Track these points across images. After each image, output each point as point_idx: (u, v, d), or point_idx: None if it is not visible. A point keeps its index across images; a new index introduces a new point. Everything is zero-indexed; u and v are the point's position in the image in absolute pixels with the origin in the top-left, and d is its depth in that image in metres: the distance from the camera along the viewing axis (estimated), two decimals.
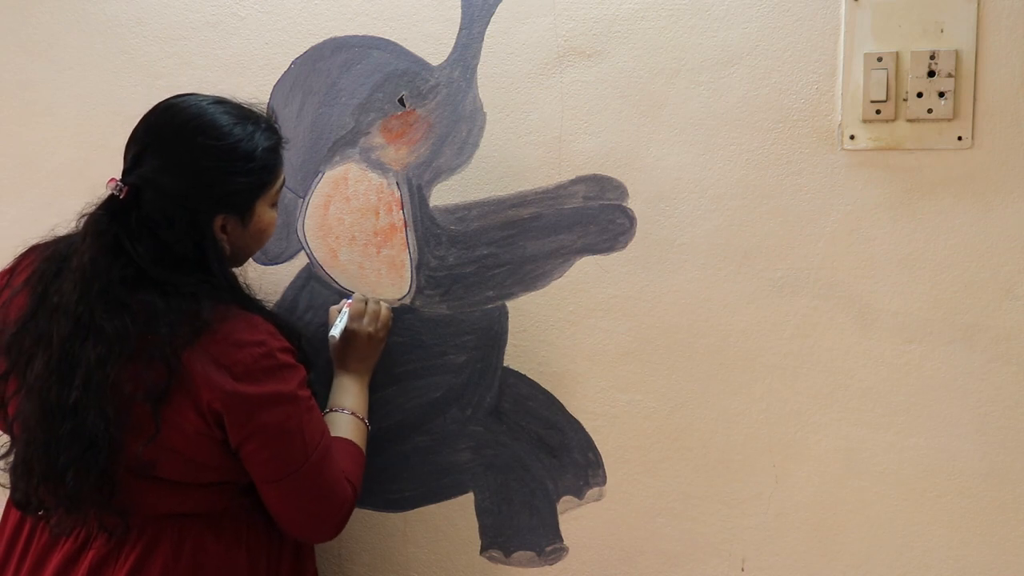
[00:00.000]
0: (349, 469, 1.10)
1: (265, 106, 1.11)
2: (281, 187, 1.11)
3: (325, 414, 1.17)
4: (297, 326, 1.19)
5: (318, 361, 1.23)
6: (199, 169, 1.02)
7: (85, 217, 1.04)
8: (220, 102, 1.06)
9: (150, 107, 1.07)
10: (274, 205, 1.11)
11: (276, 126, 1.10)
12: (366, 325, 1.23)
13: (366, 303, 1.25)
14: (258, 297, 1.13)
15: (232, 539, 1.07)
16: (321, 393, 1.16)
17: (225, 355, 0.98)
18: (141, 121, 1.05)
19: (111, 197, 1.01)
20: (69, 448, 0.96)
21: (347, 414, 1.18)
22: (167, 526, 1.03)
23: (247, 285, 1.12)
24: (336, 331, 1.21)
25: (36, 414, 0.98)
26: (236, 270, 1.11)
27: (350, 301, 1.25)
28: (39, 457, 0.98)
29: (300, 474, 1.02)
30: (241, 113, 1.06)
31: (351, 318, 1.23)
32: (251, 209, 1.07)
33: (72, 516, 1.00)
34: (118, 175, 1.04)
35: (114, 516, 1.00)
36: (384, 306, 1.27)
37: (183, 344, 0.97)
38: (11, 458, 1.03)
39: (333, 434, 1.13)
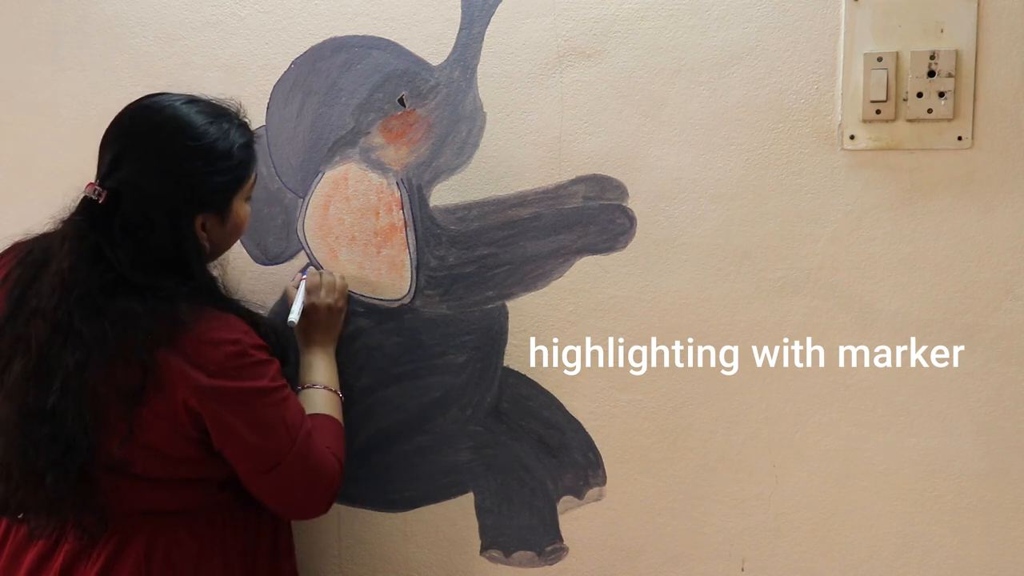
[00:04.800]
0: (332, 443, 1.11)
1: (232, 100, 1.12)
2: (255, 181, 1.13)
3: (298, 392, 1.18)
4: (273, 322, 1.21)
5: (291, 356, 1.23)
6: (180, 171, 1.03)
7: (63, 221, 1.04)
8: (192, 101, 1.07)
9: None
10: (248, 199, 1.13)
11: (246, 120, 1.11)
12: (324, 297, 1.24)
13: (320, 276, 1.26)
14: (235, 296, 1.14)
15: (207, 537, 1.07)
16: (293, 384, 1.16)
17: (199, 354, 0.99)
18: (113, 123, 1.06)
19: (89, 201, 1.01)
20: (48, 451, 0.97)
21: (320, 389, 1.19)
22: (141, 523, 1.04)
23: (224, 285, 1.13)
24: (295, 315, 1.21)
25: (14, 418, 0.98)
26: (215, 270, 1.12)
27: (304, 276, 1.26)
28: (18, 461, 0.98)
29: (289, 460, 1.03)
30: (214, 111, 1.07)
31: (307, 292, 1.24)
32: (229, 206, 1.08)
33: (51, 518, 1.01)
34: None
35: (92, 515, 1.00)
36: (337, 275, 1.28)
37: (158, 344, 0.98)
38: None
39: (309, 411, 1.14)
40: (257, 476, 1.04)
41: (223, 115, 1.08)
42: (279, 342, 1.11)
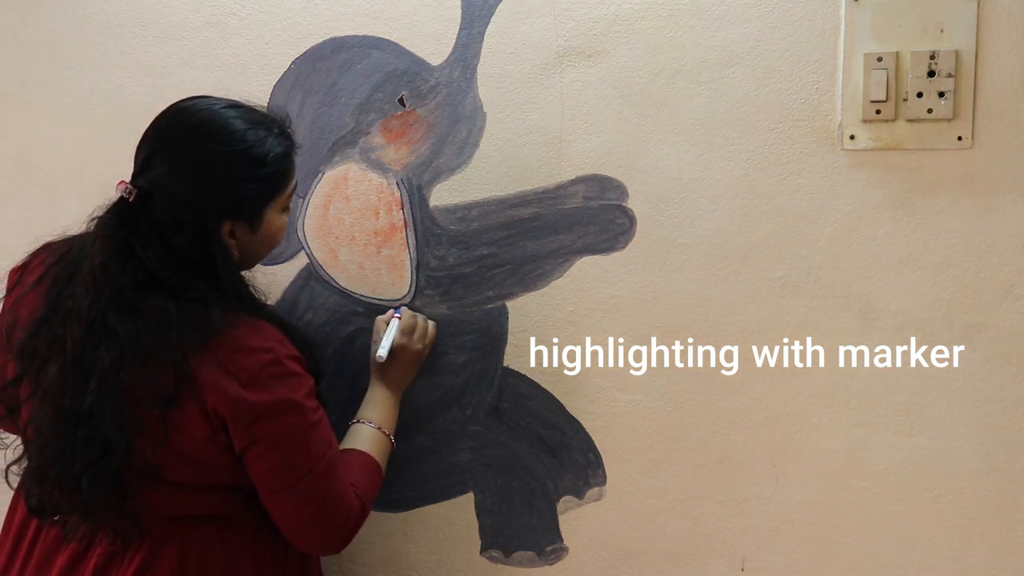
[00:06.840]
0: (360, 482, 1.09)
1: (279, 110, 1.10)
2: (292, 192, 1.10)
3: (350, 424, 1.17)
4: (309, 334, 1.18)
5: (328, 368, 1.22)
6: (209, 175, 1.01)
7: (95, 220, 1.02)
8: (233, 106, 1.05)
9: (152, 107, 1.06)
10: (285, 210, 1.10)
11: (289, 131, 1.09)
12: (415, 342, 1.23)
13: (416, 319, 1.24)
14: (268, 303, 1.12)
15: (238, 543, 1.06)
16: (332, 402, 1.15)
17: (232, 361, 0.98)
18: (152, 123, 1.04)
19: (121, 200, 1.01)
20: (84, 454, 0.95)
21: (372, 427, 1.17)
22: (174, 528, 1.03)
23: (256, 289, 1.11)
24: (384, 350, 1.19)
25: (50, 420, 0.97)
26: (245, 274, 1.10)
27: (398, 315, 1.24)
28: (53, 463, 0.97)
29: (304, 484, 1.01)
30: (253, 118, 1.05)
31: (401, 333, 1.22)
32: (261, 215, 1.06)
33: (85, 521, 1.00)
34: (118, 175, 1.03)
35: (126, 520, 1.00)
36: (431, 324, 1.27)
37: (192, 349, 0.97)
38: (24, 463, 1.03)
39: (353, 446, 1.13)
40: (268, 493, 1.03)
41: (262, 122, 1.05)
42: (311, 353, 1.09)
